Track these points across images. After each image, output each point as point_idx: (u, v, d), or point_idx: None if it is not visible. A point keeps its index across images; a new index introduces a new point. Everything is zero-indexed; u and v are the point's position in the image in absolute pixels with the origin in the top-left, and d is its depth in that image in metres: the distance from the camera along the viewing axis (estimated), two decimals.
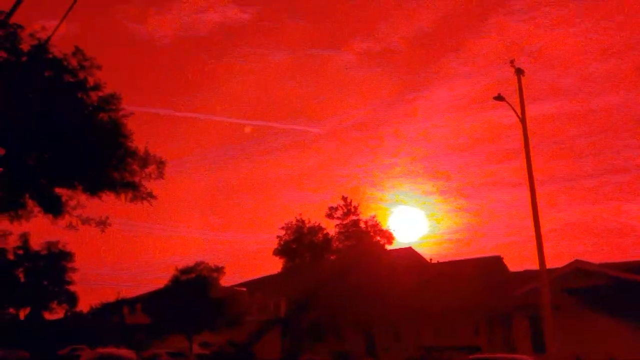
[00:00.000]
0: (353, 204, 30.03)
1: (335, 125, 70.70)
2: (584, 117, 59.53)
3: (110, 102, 15.55)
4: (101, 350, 23.44)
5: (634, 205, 53.71)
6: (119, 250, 75.26)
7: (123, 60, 78.36)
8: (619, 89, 58.89)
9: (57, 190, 15.63)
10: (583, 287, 22.39)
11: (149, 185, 16.39)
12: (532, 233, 17.84)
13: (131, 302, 41.95)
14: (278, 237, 30.45)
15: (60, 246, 37.35)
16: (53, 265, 36.45)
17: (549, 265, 18.55)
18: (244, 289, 39.07)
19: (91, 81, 15.23)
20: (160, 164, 16.22)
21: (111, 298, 42.93)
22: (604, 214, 56.04)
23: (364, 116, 69.49)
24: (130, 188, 16.01)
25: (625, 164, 54.67)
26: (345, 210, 29.85)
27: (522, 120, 19.07)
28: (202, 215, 74.03)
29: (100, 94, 15.44)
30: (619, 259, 25.15)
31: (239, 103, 75.86)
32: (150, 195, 16.39)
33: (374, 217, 29.87)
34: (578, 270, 23.14)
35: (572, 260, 23.78)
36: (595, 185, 56.83)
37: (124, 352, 25.15)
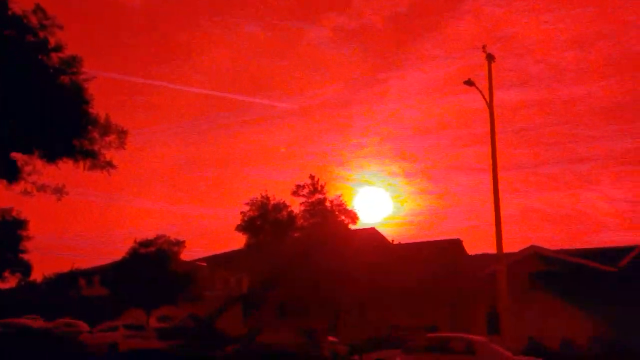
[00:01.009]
0: (320, 182, 30.06)
1: (305, 102, 70.25)
2: (550, 106, 61.16)
3: (71, 64, 14.96)
4: (9, 320, 23.26)
5: (591, 194, 55.97)
6: (76, 220, 73.52)
7: (88, 21, 75.37)
8: (585, 80, 60.70)
9: (13, 154, 15.06)
10: (539, 271, 23.24)
11: (110, 154, 16.00)
12: (492, 218, 18.39)
13: (88, 274, 41.24)
14: (242, 213, 30.13)
15: (14, 213, 36.00)
16: (6, 233, 35.18)
17: (508, 250, 19.25)
18: (204, 264, 38.84)
19: (52, 42, 14.60)
20: (122, 133, 15.81)
21: (67, 269, 41.96)
22: (563, 201, 58.26)
23: (335, 94, 69.25)
24: (90, 156, 15.57)
25: (585, 154, 56.72)
26: (312, 188, 29.85)
27: (490, 106, 19.46)
28: (166, 188, 72.98)
29: (62, 55, 14.84)
30: (576, 246, 26.22)
31: (209, 74, 74.38)
32: (110, 164, 16.01)
33: (339, 197, 30.00)
34: (535, 255, 24.02)
35: (529, 245, 24.67)
36: (555, 173, 58.83)
37: (32, 322, 25.07)
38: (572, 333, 20.54)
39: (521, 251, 24.50)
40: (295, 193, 30.07)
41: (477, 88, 19.20)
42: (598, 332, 19.45)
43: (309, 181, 30.03)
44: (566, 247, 26.07)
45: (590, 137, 57.70)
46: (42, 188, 15.44)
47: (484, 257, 27.05)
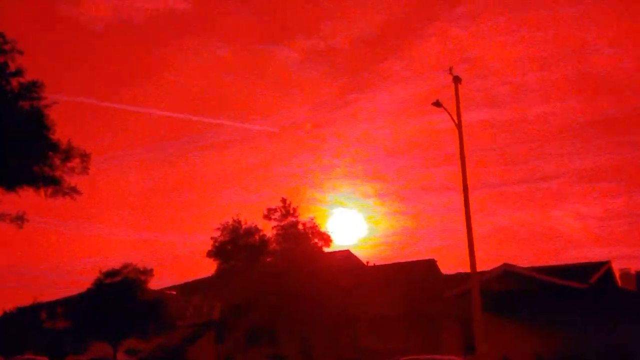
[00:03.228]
0: (292, 205, 30.09)
1: (276, 124, 70.46)
2: (517, 125, 62.91)
3: (32, 89, 14.70)
4: None
5: (560, 211, 57.31)
6: (38, 250, 71.15)
7: (49, 45, 74.41)
8: (550, 99, 62.69)
9: None
10: (511, 290, 23.54)
11: (74, 180, 15.65)
12: (465, 237, 18.58)
13: (51, 306, 39.83)
14: (213, 238, 29.90)
15: None
16: None
17: (480, 268, 19.39)
18: (174, 292, 38.03)
19: (12, 66, 14.37)
20: (85, 157, 15.51)
21: (28, 301, 40.49)
22: (533, 219, 59.42)
23: (305, 115, 69.71)
24: (51, 183, 15.21)
25: (553, 172, 58.24)
26: (284, 211, 29.85)
27: (458, 126, 19.75)
28: (133, 215, 71.46)
29: (22, 80, 14.59)
30: (545, 263, 26.73)
31: (175, 97, 73.92)
32: (74, 190, 15.65)
33: (312, 219, 30.00)
34: (506, 273, 24.34)
35: (501, 263, 25.02)
36: (524, 191, 60.17)
37: None
38: (545, 350, 20.78)
39: (493, 269, 24.80)
40: (267, 217, 29.98)
41: (445, 109, 19.50)
42: (567, 349, 19.71)
43: (280, 204, 30.04)
44: (537, 264, 26.51)
45: (557, 155, 59.43)
46: (1, 217, 14.97)
47: (458, 276, 27.24)
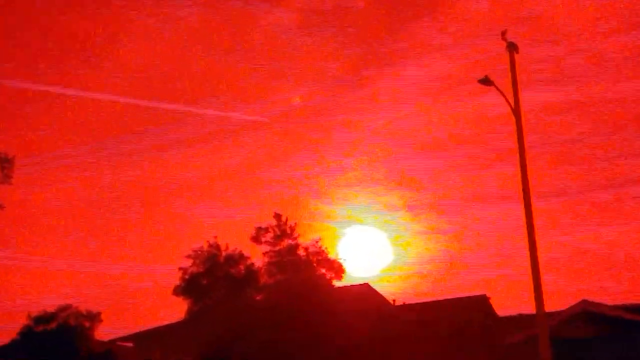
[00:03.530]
0: (289, 223, 30.40)
1: (264, 111, 69.62)
2: (596, 110, 61.72)
3: None
4: None
5: None
6: None
7: None
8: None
9: None
10: (592, 337, 23.46)
11: None
12: (527, 264, 18.41)
13: None
14: (182, 269, 30.22)
15: None
16: None
17: (551, 307, 18.70)
18: (130, 344, 38.08)
19: None
20: (6, 162, 15.64)
21: None
22: (622, 238, 58.62)
23: (306, 100, 68.76)
24: None
25: None
26: (279, 232, 30.20)
27: (516, 111, 19.53)
28: (74, 238, 71.21)
29: None
30: (632, 299, 26.61)
31: (131, 77, 73.07)
32: None
33: (317, 242, 30.30)
34: (586, 313, 24.19)
35: (579, 300, 24.90)
36: (610, 200, 59.28)
37: None
38: None
39: (568, 309, 24.67)
40: (255, 239, 30.26)
41: (498, 88, 19.35)
42: None
43: (273, 222, 30.22)
44: (629, 300, 26.33)
45: None
46: None
47: (520, 318, 27.10)
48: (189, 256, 30.39)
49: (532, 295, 17.84)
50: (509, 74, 19.79)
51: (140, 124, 71.70)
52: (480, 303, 33.13)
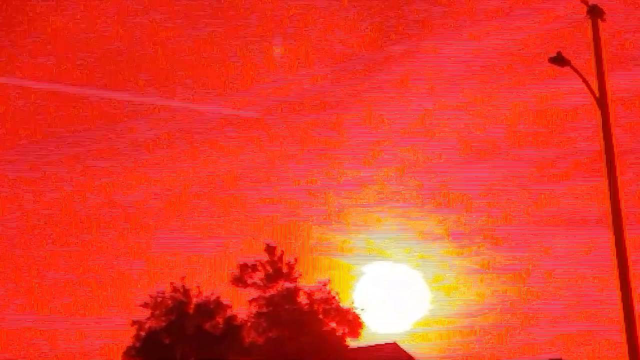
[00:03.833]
0: (286, 258, 29.15)
1: (255, 103, 66.44)
2: None
3: None
4: None
5: None
6: None
7: None
8: None
9: None
10: None
11: None
12: (620, 314, 16.35)
13: None
14: (136, 323, 28.71)
15: None
16: None
17: None
18: None
19: None
20: None
21: None
22: None
23: (309, 84, 65.53)
24: None
25: None
26: (271, 270, 29.09)
27: (601, 101, 17.53)
28: None
29: None
30: None
31: (63, 56, 70.46)
32: None
33: (325, 285, 29.18)
34: None
35: None
36: None
37: None
38: None
39: None
40: (239, 280, 29.33)
41: (575, 69, 16.60)
42: None
43: (265, 256, 29.26)
44: None
45: None
46: None
47: None
48: (145, 305, 28.85)
49: (627, 357, 15.51)
50: (592, 50, 17.60)
51: (82, 116, 68.94)
52: None
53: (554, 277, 53.50)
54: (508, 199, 58.40)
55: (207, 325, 29.07)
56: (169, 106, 60.61)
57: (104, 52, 70.42)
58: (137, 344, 28.87)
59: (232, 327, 29.08)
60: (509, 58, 60.37)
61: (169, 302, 29.08)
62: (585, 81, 17.45)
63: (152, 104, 61.27)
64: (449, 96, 63.35)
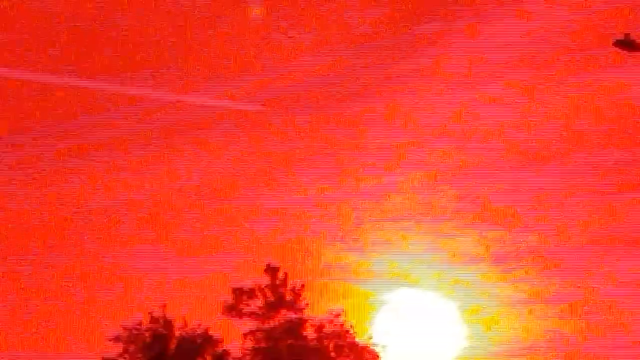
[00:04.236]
0: (290, 282, 29.67)
1: (257, 95, 66.99)
2: None
3: None
4: None
5: None
6: None
7: None
8: None
9: None
10: None
11: None
12: None
13: None
14: None
15: None
16: None
17: None
18: None
19: None
20: None
21: None
22: None
23: (321, 72, 65.88)
24: None
25: None
26: (272, 297, 29.53)
27: None
28: None
29: None
30: None
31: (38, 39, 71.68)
32: None
33: (338, 316, 29.55)
34: None
35: None
36: None
37: None
38: None
39: None
40: (233, 310, 29.57)
41: None
42: None
43: (265, 280, 29.64)
44: None
45: None
46: None
47: None
48: (117, 339, 29.12)
49: None
50: None
51: (46, 104, 69.90)
52: None
53: (618, 309, 53.42)
54: (563, 213, 58.37)
55: None
56: (153, 97, 61.23)
57: (69, 37, 71.29)
58: None
59: None
60: (564, 41, 60.54)
61: (147, 335, 29.14)
62: None
63: (131, 95, 62.02)
64: (490, 87, 63.42)
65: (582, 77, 56.43)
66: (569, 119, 59.84)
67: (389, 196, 57.27)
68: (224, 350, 29.25)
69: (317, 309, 29.49)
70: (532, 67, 62.32)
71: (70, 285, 53.30)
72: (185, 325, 29.31)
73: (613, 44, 17.89)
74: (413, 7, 65.81)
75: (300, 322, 29.14)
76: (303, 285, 29.61)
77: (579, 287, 54.62)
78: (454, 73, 61.17)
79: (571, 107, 60.01)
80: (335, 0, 66.51)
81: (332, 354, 29.18)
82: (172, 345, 29.15)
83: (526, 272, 52.21)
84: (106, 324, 32.73)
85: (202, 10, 67.02)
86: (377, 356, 29.57)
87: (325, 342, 29.04)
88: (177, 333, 29.27)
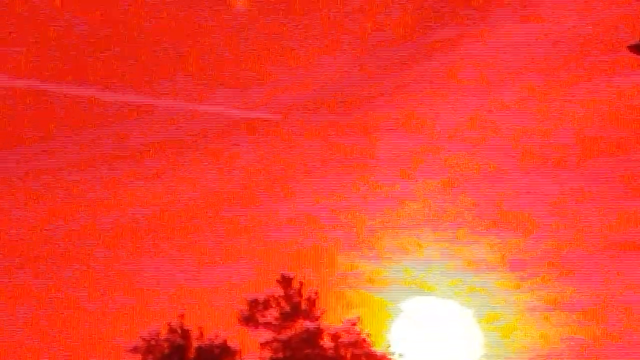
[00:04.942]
0: (306, 292, 29.55)
1: (270, 103, 67.00)
2: None
3: None
4: None
5: None
6: None
7: None
8: None
9: None
10: None
11: None
12: None
13: None
14: None
15: None
16: None
17: None
18: None
19: None
20: None
21: None
22: None
23: (334, 78, 65.73)
24: None
25: None
26: (288, 307, 29.40)
27: None
28: None
29: None
30: None
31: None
32: None
33: (354, 324, 29.37)
34: None
35: None
36: None
37: None
38: None
39: None
40: (249, 319, 29.42)
41: None
42: None
43: (279, 290, 29.49)
44: None
45: None
46: None
47: None
48: (135, 349, 29.09)
49: None
50: None
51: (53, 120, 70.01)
52: None
53: (635, 315, 53.27)
54: (579, 219, 58.19)
55: None
56: (160, 105, 61.31)
57: (80, 46, 71.35)
58: None
59: None
60: (579, 45, 60.42)
61: (165, 346, 29.07)
62: None
63: (140, 103, 62.09)
64: (505, 93, 63.17)
65: (597, 82, 56.24)
66: (585, 124, 59.73)
67: (404, 203, 57.26)
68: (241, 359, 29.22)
69: (333, 318, 29.44)
70: (547, 72, 62.09)
71: (87, 296, 53.60)
72: (203, 335, 29.33)
73: (627, 49, 18.87)
74: (428, 13, 65.71)
75: (317, 332, 28.95)
76: (318, 295, 29.63)
77: (596, 293, 54.45)
78: (469, 79, 60.95)
79: (587, 112, 59.83)
80: (349, 7, 66.47)
81: None
82: (191, 355, 29.08)
83: (543, 279, 52.24)
84: (124, 335, 33.04)
85: (218, 18, 67.08)
86: None
87: (342, 351, 28.85)
88: (194, 343, 29.24)
